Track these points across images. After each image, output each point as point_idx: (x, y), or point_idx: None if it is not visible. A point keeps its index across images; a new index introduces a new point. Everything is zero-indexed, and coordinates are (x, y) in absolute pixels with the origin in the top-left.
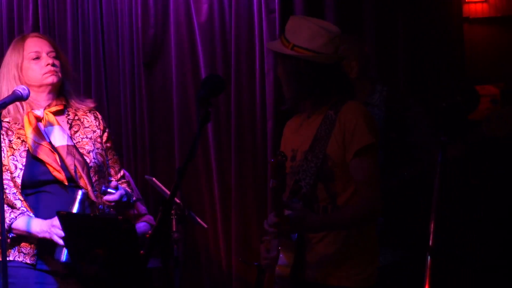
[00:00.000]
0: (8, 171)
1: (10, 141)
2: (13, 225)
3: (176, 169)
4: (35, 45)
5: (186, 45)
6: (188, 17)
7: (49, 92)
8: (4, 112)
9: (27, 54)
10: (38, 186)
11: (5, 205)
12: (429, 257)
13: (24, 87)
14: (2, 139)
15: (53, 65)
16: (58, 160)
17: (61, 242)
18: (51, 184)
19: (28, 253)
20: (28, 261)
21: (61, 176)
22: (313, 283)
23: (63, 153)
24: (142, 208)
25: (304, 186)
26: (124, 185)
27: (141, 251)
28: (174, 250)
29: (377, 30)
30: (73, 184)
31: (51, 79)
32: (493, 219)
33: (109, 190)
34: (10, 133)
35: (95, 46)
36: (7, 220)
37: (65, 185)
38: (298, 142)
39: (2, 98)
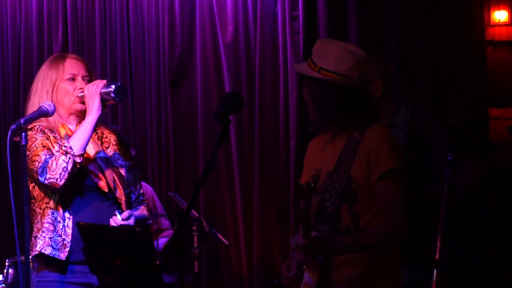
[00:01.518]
0: None
1: (55, 137)
2: (72, 141)
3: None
4: (72, 66)
5: (212, 65)
6: (213, 37)
7: (77, 115)
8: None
9: (65, 74)
10: (82, 191)
11: None
12: (435, 271)
13: (50, 104)
14: (43, 137)
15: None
16: (99, 169)
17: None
18: (92, 190)
19: (59, 248)
20: (59, 257)
21: (103, 183)
22: None
23: (102, 164)
24: (165, 223)
25: (329, 207)
26: (142, 207)
27: (157, 262)
28: (195, 266)
29: (399, 52)
30: (111, 194)
31: (80, 106)
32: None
33: (118, 216)
34: (51, 133)
35: (122, 65)
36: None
37: (105, 192)
38: (322, 162)
39: (32, 110)
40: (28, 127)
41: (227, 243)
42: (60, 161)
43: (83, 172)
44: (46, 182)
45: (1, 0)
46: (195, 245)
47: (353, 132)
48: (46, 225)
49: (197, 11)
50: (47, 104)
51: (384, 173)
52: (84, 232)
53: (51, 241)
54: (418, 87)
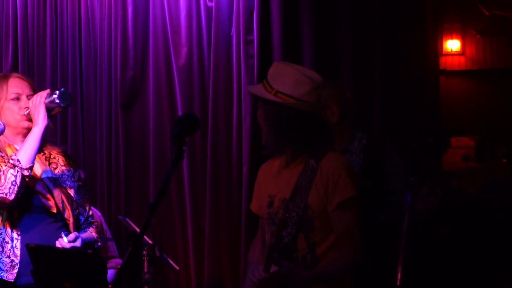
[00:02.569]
0: None
1: (2, 156)
2: (19, 154)
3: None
4: (16, 85)
5: (164, 88)
6: (167, 59)
7: (24, 135)
8: None
9: (8, 94)
10: (29, 210)
11: None
12: None
13: (0, 122)
14: None
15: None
16: (47, 189)
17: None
18: (40, 211)
19: (7, 270)
20: (6, 278)
21: (51, 204)
22: None
23: (50, 184)
24: (112, 248)
25: (286, 236)
26: (90, 229)
27: (109, 286)
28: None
29: (354, 76)
30: (60, 215)
31: (27, 124)
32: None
33: (64, 238)
34: None
35: (73, 86)
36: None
37: (53, 213)
38: (276, 189)
39: None
40: None
41: (177, 268)
42: (9, 175)
43: (30, 192)
44: None
45: None
46: (145, 270)
47: (308, 160)
48: None
49: (151, 34)
50: None
51: (341, 203)
52: (34, 253)
53: None
54: (373, 113)
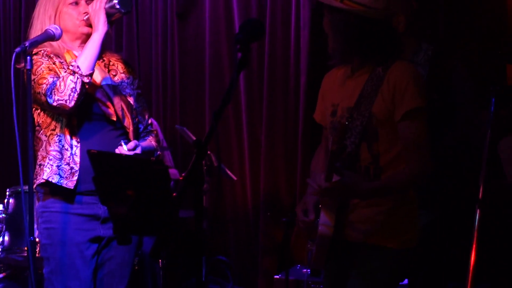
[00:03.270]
0: None
1: (61, 62)
2: (79, 61)
3: (205, 120)
4: None
5: None
6: None
7: (83, 41)
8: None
9: None
10: (90, 117)
11: None
12: (478, 210)
13: (57, 27)
14: (49, 62)
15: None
16: (106, 97)
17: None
18: (99, 119)
19: (67, 177)
20: (66, 185)
21: (111, 111)
22: (355, 243)
23: (110, 92)
24: (168, 158)
25: (349, 145)
26: (150, 137)
27: (174, 194)
28: (202, 201)
29: None
30: (119, 123)
31: (86, 29)
32: None
33: (124, 146)
34: (56, 58)
35: None
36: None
37: (113, 121)
38: (340, 97)
39: (35, 35)
40: (33, 52)
41: (235, 178)
42: (68, 81)
43: (90, 99)
44: (55, 104)
45: None
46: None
47: (375, 68)
48: (53, 152)
49: None
50: (53, 27)
51: (409, 112)
52: (95, 160)
53: (59, 169)
54: (437, 24)
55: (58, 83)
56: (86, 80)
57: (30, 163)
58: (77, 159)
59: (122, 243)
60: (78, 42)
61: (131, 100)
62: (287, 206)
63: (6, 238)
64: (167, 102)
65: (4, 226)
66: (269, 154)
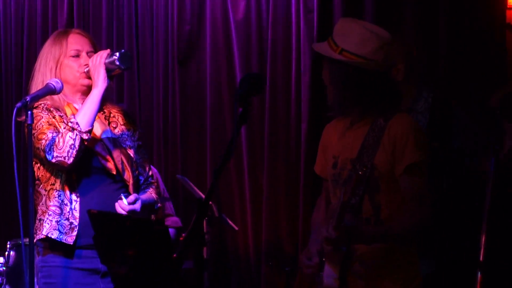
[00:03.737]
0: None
1: (61, 116)
2: (78, 117)
3: (207, 169)
4: (77, 42)
5: (222, 43)
6: (224, 14)
7: (84, 93)
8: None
9: (68, 50)
10: (89, 172)
11: None
12: (479, 274)
13: (58, 81)
14: (49, 116)
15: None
16: (106, 150)
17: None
18: (99, 172)
19: (66, 232)
20: (66, 240)
21: (110, 165)
22: None
23: (110, 145)
24: (169, 207)
25: (354, 197)
26: (150, 189)
27: (174, 255)
28: (203, 252)
29: (417, 33)
30: (119, 176)
31: (87, 81)
32: None
33: (124, 200)
34: (56, 112)
35: (129, 41)
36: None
37: (113, 174)
38: (340, 149)
39: (36, 89)
40: (34, 105)
41: (236, 228)
42: (67, 138)
43: (90, 153)
44: (53, 160)
45: None
46: (204, 230)
47: (377, 119)
48: (52, 208)
49: None
50: (54, 81)
51: (409, 166)
52: (96, 220)
53: (58, 224)
54: (437, 70)
55: (57, 140)
56: (85, 136)
57: (31, 218)
58: (77, 214)
59: None
60: (78, 94)
61: (131, 152)
62: (289, 255)
63: None
64: (168, 150)
65: (4, 279)
66: (271, 203)
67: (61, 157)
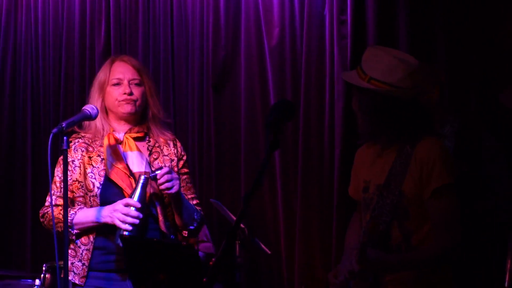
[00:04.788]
0: (86, 189)
1: (89, 158)
2: (75, 220)
3: (241, 194)
4: (119, 71)
5: (256, 68)
6: (258, 40)
7: (127, 120)
8: (87, 127)
9: (111, 78)
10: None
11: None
12: None
13: (93, 107)
14: (81, 155)
15: (130, 94)
16: (133, 185)
17: (122, 226)
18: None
19: (79, 273)
20: (77, 282)
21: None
22: None
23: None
24: (203, 233)
25: (381, 224)
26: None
27: (204, 279)
28: (236, 276)
29: (449, 61)
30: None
31: (125, 108)
32: None
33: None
34: (90, 149)
35: (165, 67)
36: (68, 216)
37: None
38: (371, 174)
39: None
40: (71, 137)
41: (269, 252)
42: (57, 211)
43: (116, 190)
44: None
45: (44, 0)
46: (237, 254)
47: (404, 145)
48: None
49: (243, 12)
50: (89, 107)
51: (437, 190)
52: (127, 244)
53: (73, 266)
54: (468, 97)
55: (47, 213)
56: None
57: (66, 241)
58: (89, 254)
59: None
60: (122, 122)
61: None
62: (322, 279)
63: None
64: (203, 175)
65: None
66: (304, 227)
67: (48, 226)
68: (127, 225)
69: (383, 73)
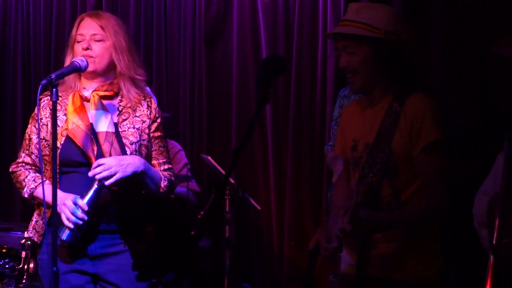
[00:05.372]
0: (49, 146)
1: (57, 116)
2: (35, 193)
3: (232, 149)
4: (83, 27)
5: (248, 24)
6: None
7: (93, 78)
8: (60, 84)
9: (76, 35)
10: (74, 166)
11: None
12: (491, 257)
13: (83, 59)
14: (49, 114)
15: (86, 49)
16: (95, 145)
17: (66, 222)
18: (85, 166)
19: (39, 231)
20: (36, 239)
21: (93, 161)
22: (376, 278)
23: (101, 139)
24: (193, 184)
25: (373, 183)
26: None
27: (192, 232)
28: (226, 230)
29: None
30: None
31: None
32: None
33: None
34: (58, 107)
35: (158, 23)
36: (31, 185)
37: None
38: (360, 132)
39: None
40: (40, 97)
41: (259, 208)
42: (25, 178)
43: (77, 150)
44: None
45: None
46: (227, 209)
47: (391, 103)
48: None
49: None
50: (79, 59)
51: (426, 146)
52: (116, 197)
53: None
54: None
55: (20, 171)
56: (25, 195)
57: (54, 196)
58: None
59: (142, 279)
60: (90, 80)
61: (130, 148)
62: (311, 235)
63: (31, 265)
64: (194, 129)
65: (29, 253)
66: (294, 183)
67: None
68: (70, 223)
69: (389, 24)
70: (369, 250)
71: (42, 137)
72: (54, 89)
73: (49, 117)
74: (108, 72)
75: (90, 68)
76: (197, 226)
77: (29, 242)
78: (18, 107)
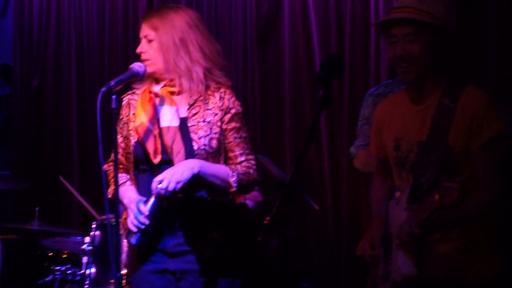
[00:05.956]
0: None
1: (134, 114)
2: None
3: (286, 148)
4: (140, 30)
5: (300, 22)
6: None
7: (156, 78)
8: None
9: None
10: (148, 163)
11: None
12: None
13: (141, 64)
14: (128, 112)
15: (140, 53)
16: (158, 141)
17: (130, 226)
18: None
19: (126, 228)
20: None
21: (157, 160)
22: (436, 279)
23: (165, 134)
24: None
25: (425, 182)
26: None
27: (258, 238)
28: (286, 232)
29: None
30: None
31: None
32: None
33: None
34: (132, 107)
35: (208, 22)
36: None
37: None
38: (403, 131)
39: None
40: (122, 97)
41: (317, 207)
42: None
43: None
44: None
45: None
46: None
47: (441, 99)
48: None
49: None
50: (137, 65)
51: (488, 141)
52: (181, 204)
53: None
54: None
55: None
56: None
57: (117, 199)
58: None
59: (209, 286)
60: (150, 81)
61: (198, 143)
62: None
63: (93, 270)
64: (248, 130)
65: (91, 259)
66: (350, 182)
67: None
68: (133, 227)
69: (443, 13)
70: (428, 251)
71: (125, 136)
72: (113, 96)
73: (128, 115)
74: (173, 69)
75: (148, 71)
76: (264, 231)
77: (90, 247)
78: (73, 108)
